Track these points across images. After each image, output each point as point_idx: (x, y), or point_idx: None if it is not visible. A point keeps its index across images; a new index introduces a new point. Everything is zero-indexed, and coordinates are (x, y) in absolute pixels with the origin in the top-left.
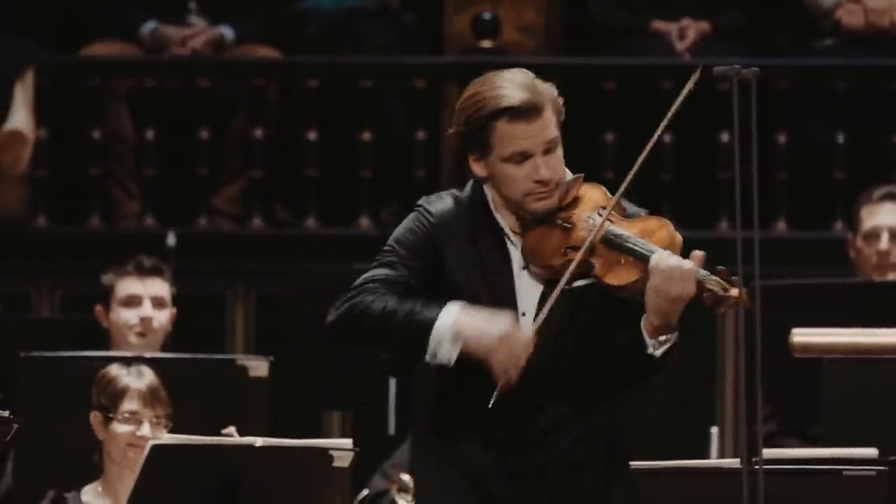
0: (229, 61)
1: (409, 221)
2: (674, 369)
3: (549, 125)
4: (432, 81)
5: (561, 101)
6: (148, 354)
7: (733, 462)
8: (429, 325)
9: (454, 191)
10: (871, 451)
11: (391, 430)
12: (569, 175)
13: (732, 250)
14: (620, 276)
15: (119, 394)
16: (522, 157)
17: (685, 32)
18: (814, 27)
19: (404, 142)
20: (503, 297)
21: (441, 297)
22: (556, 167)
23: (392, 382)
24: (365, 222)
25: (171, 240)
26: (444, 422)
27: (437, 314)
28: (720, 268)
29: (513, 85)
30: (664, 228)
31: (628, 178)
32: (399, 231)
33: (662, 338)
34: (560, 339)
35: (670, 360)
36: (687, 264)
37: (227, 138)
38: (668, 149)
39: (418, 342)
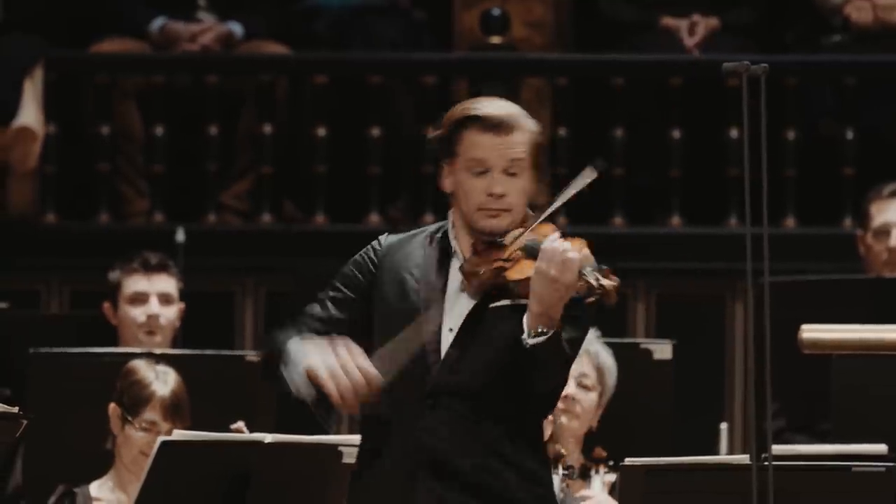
0: (238, 58)
1: (358, 253)
2: (557, 376)
3: (516, 146)
4: (441, 78)
5: (542, 140)
6: (157, 351)
7: (743, 458)
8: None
9: (423, 227)
10: (881, 448)
11: None
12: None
13: (742, 247)
14: (521, 272)
15: (143, 400)
16: (481, 167)
17: (694, 29)
18: (823, 23)
19: (413, 138)
20: (429, 316)
21: (370, 321)
22: (512, 190)
23: None
24: (374, 219)
25: (180, 236)
26: (371, 427)
27: (304, 356)
28: (605, 267)
29: (493, 103)
30: (578, 241)
31: (557, 203)
32: (347, 263)
33: (541, 329)
34: (477, 355)
35: (546, 359)
36: (572, 253)
37: (235, 135)
38: (677, 145)
39: (288, 381)
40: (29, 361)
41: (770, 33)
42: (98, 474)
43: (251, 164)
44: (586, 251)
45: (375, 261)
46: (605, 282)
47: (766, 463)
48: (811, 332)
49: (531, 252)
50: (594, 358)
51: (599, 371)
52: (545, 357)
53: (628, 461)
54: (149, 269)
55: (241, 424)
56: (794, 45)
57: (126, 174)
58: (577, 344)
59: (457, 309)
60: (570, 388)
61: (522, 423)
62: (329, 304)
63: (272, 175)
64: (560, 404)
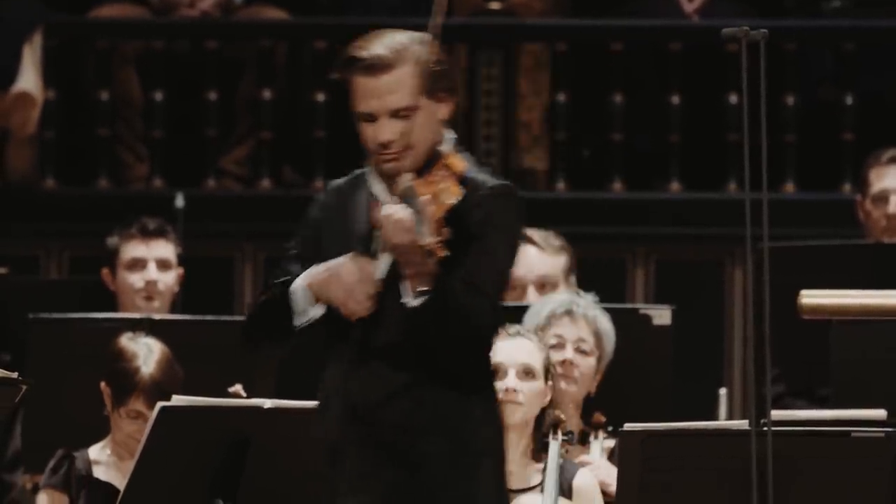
0: (237, 23)
1: (309, 208)
2: (475, 318)
3: (400, 88)
4: (441, 43)
5: (437, 67)
6: (157, 316)
7: (742, 423)
8: (286, 294)
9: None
10: (880, 413)
11: None
12: (450, 145)
13: (741, 212)
14: None
15: (128, 389)
16: (367, 115)
17: None
18: None
19: None
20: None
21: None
22: (404, 132)
23: None
24: None
25: (179, 201)
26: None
27: (292, 282)
28: (440, 218)
29: (375, 40)
30: (446, 182)
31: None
32: (300, 222)
33: (418, 289)
34: (394, 306)
35: (430, 320)
36: (402, 214)
37: (235, 100)
38: (676, 111)
39: (287, 308)
40: (28, 327)
41: None
42: (97, 438)
43: (250, 130)
44: (445, 200)
45: (319, 205)
46: (425, 241)
47: (765, 428)
48: (810, 297)
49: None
50: (592, 323)
51: (597, 336)
52: (437, 311)
53: (627, 426)
54: (147, 234)
55: (238, 388)
56: (794, 10)
57: (125, 140)
58: (490, 277)
59: (381, 259)
60: (569, 353)
61: (457, 370)
62: (293, 259)
63: (272, 140)
64: (559, 369)
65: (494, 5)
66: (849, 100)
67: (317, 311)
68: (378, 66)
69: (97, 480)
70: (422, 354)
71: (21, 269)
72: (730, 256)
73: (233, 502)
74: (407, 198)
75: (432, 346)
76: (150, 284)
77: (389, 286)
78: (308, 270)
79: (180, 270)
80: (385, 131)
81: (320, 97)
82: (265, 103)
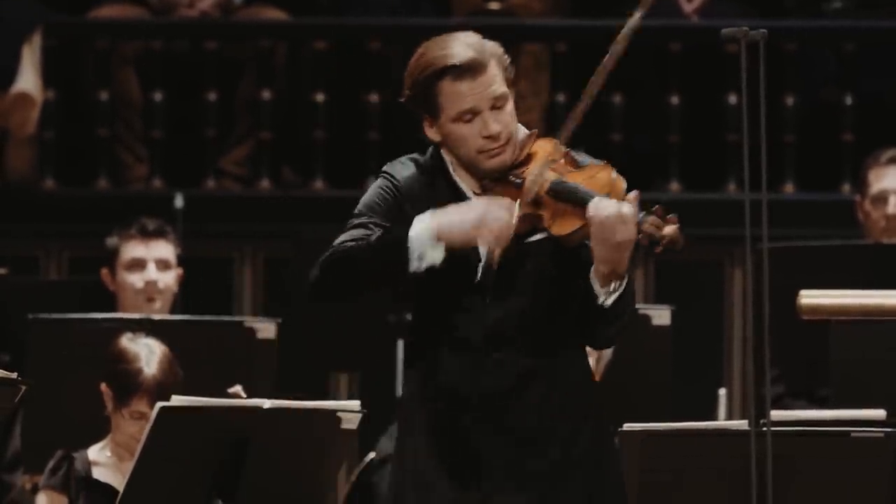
0: (237, 23)
1: (377, 187)
2: (630, 319)
3: (494, 81)
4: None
5: (507, 58)
6: (156, 317)
7: (741, 424)
8: (404, 238)
9: (416, 155)
10: (879, 413)
11: (399, 391)
12: (523, 131)
13: (740, 212)
14: (564, 226)
15: (130, 390)
16: (471, 114)
17: None
18: None
19: None
20: (462, 259)
21: None
22: (505, 122)
23: (400, 344)
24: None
25: (178, 202)
26: (417, 382)
27: (410, 226)
28: (657, 206)
29: (456, 44)
30: (605, 172)
31: (569, 124)
32: (369, 197)
33: (612, 286)
34: (521, 293)
35: (623, 309)
36: (625, 207)
37: (234, 100)
38: (675, 111)
39: (398, 257)
40: (28, 327)
41: None
42: (97, 439)
43: (250, 130)
44: (618, 181)
45: (399, 197)
46: (666, 230)
47: (764, 429)
48: (810, 297)
49: (564, 196)
50: None
51: None
52: (622, 309)
53: (627, 426)
54: (146, 234)
55: (238, 388)
56: (794, 11)
57: (125, 140)
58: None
59: (483, 252)
60: None
61: (578, 354)
62: (374, 227)
63: (271, 141)
64: None
65: (494, 5)
66: (848, 100)
67: (437, 255)
68: (478, 68)
69: (96, 481)
70: (544, 342)
71: (21, 269)
72: (729, 257)
73: (232, 502)
74: (559, 185)
75: (601, 341)
76: (150, 285)
77: (501, 276)
78: (431, 215)
79: (180, 271)
80: (492, 122)
81: (320, 98)
82: (265, 104)
